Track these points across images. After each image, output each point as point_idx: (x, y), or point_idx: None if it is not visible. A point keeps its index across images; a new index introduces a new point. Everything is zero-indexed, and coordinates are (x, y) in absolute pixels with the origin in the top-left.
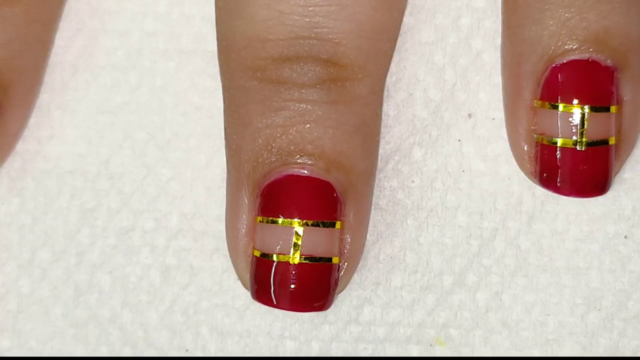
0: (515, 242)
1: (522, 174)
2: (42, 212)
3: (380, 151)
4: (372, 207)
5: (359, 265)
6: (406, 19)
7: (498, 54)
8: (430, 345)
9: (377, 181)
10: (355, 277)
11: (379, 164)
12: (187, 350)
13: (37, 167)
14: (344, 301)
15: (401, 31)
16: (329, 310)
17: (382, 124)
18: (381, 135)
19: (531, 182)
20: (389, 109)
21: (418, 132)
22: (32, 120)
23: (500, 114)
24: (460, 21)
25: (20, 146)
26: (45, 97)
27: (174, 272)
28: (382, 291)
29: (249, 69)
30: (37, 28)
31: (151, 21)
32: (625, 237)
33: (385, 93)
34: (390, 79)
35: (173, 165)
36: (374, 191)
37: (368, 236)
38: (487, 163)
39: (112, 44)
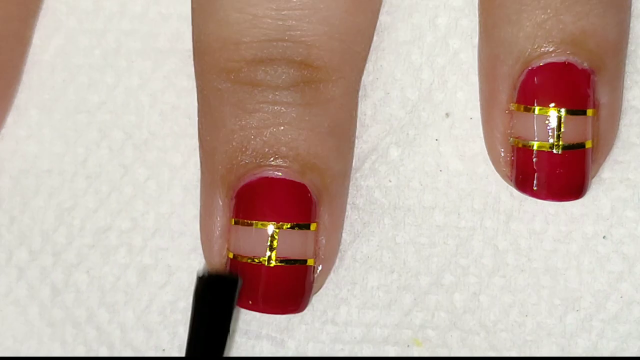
0: (493, 242)
1: None
2: (19, 211)
3: (357, 150)
4: (349, 207)
5: (336, 265)
6: (383, 17)
7: (475, 53)
8: (408, 346)
9: (353, 180)
10: (332, 276)
11: (356, 164)
12: (163, 350)
13: (15, 166)
14: (321, 301)
15: (378, 30)
16: (305, 310)
17: (359, 123)
18: (358, 135)
19: None
20: (366, 108)
21: (395, 132)
22: (10, 119)
23: (477, 113)
24: (438, 20)
25: None
26: (23, 96)
27: (151, 271)
28: (359, 291)
29: (223, 70)
30: (14, 24)
31: (128, 20)
32: (604, 237)
33: (362, 92)
34: (367, 78)
35: (150, 164)
36: (351, 190)
37: (345, 235)
38: (464, 162)
39: (90, 43)
